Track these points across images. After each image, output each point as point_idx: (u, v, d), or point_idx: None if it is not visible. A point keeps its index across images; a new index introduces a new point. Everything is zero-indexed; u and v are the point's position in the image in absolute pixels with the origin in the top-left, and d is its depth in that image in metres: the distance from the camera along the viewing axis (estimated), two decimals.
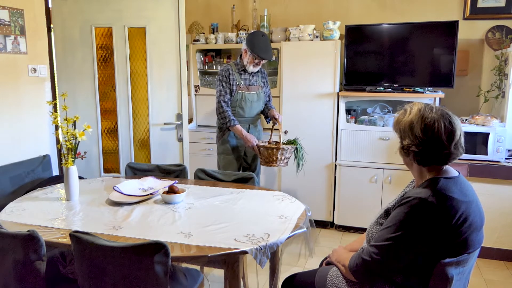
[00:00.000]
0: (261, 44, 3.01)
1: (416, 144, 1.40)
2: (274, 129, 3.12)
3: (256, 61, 3.03)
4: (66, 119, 2.16)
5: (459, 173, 1.46)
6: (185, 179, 2.67)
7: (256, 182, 2.54)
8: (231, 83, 3.06)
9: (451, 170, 1.45)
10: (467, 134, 3.10)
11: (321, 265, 1.87)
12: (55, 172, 3.31)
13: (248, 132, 3.11)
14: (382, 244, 1.39)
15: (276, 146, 2.83)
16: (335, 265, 1.64)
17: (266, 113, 3.24)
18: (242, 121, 3.11)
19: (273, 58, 3.27)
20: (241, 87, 3.09)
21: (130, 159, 3.28)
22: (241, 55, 3.11)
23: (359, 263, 1.45)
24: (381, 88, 3.51)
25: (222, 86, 3.07)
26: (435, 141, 1.37)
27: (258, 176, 3.30)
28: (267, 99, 3.28)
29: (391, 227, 1.38)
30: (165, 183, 2.32)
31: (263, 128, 3.50)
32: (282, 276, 1.95)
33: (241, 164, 3.26)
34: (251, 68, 3.08)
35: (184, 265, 2.11)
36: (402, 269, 1.42)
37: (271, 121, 3.17)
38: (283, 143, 2.97)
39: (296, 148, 2.94)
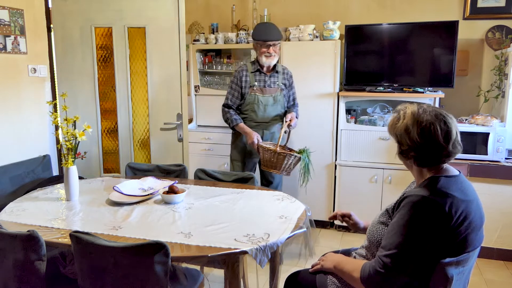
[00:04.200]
0: (261, 29, 2.89)
1: (415, 148, 1.40)
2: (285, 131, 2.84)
3: (264, 49, 2.85)
4: (66, 119, 2.16)
5: (460, 172, 1.46)
6: (185, 179, 2.67)
7: (255, 181, 2.53)
8: (242, 85, 2.94)
9: (452, 169, 1.45)
10: (467, 134, 3.10)
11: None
12: (55, 172, 3.32)
13: (262, 138, 2.91)
14: (393, 252, 1.35)
15: (274, 150, 2.56)
16: (333, 272, 1.60)
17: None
18: (255, 126, 2.96)
19: (282, 38, 2.93)
20: (254, 89, 2.93)
21: (130, 159, 3.28)
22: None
23: (373, 274, 1.38)
24: (381, 88, 3.51)
25: (231, 87, 2.98)
26: (433, 144, 1.38)
27: (279, 187, 3.12)
28: (292, 102, 3.10)
29: (397, 232, 1.35)
30: (165, 183, 2.32)
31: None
32: (282, 276, 1.95)
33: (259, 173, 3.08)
34: (265, 62, 2.89)
35: (184, 265, 2.11)
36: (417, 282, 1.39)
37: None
38: (289, 150, 2.72)
39: (300, 158, 2.62)
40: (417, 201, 1.33)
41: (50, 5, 3.17)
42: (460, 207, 1.32)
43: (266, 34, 2.85)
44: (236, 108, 3.02)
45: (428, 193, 1.34)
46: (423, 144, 1.38)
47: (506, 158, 3.09)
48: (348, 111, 3.68)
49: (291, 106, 3.11)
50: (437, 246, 1.33)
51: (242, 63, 3.21)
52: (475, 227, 1.36)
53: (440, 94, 3.32)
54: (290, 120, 2.84)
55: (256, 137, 2.81)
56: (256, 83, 2.94)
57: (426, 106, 1.44)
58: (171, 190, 2.15)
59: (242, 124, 2.90)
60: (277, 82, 2.99)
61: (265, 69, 2.95)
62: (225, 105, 2.98)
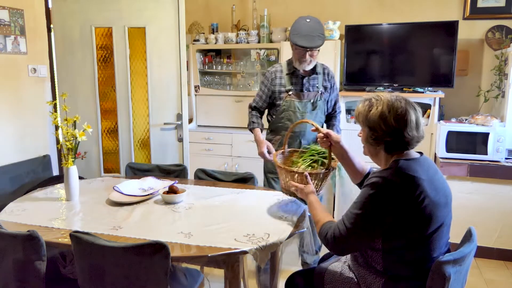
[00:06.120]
0: (302, 28, 2.40)
1: (389, 133, 1.47)
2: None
3: (299, 52, 2.42)
4: (66, 119, 2.16)
5: (421, 154, 1.54)
6: (185, 179, 2.67)
7: (255, 181, 2.53)
8: (276, 89, 2.55)
9: (413, 153, 1.53)
10: (467, 134, 3.10)
11: (318, 262, 1.88)
12: (55, 172, 3.32)
13: (299, 147, 2.39)
14: (349, 222, 1.44)
15: (294, 169, 1.88)
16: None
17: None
18: (291, 136, 2.51)
19: (321, 44, 2.41)
20: (290, 93, 2.54)
21: (130, 159, 3.28)
22: None
23: (328, 237, 1.49)
24: (381, 88, 3.51)
25: (260, 89, 2.63)
26: (406, 129, 1.46)
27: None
28: (331, 110, 2.67)
29: (357, 203, 1.45)
30: (165, 183, 2.32)
31: None
32: (282, 276, 1.95)
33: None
34: (299, 66, 2.49)
35: (184, 265, 2.11)
36: (399, 264, 1.44)
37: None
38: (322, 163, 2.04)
39: (331, 173, 2.00)
40: (378, 182, 1.42)
41: (50, 5, 3.17)
42: (419, 186, 1.39)
43: (306, 39, 2.38)
44: (262, 111, 2.68)
45: (388, 175, 1.42)
46: (398, 129, 1.45)
47: (506, 158, 3.09)
48: (348, 111, 3.68)
49: (331, 116, 2.67)
50: (402, 223, 1.39)
51: (276, 64, 2.67)
52: (439, 204, 1.42)
53: (440, 94, 3.33)
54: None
55: (265, 148, 2.35)
56: (292, 87, 2.55)
57: (396, 94, 1.53)
58: (171, 190, 2.15)
59: (257, 130, 2.52)
60: (317, 85, 2.58)
61: (302, 70, 2.54)
62: (250, 107, 2.68)
